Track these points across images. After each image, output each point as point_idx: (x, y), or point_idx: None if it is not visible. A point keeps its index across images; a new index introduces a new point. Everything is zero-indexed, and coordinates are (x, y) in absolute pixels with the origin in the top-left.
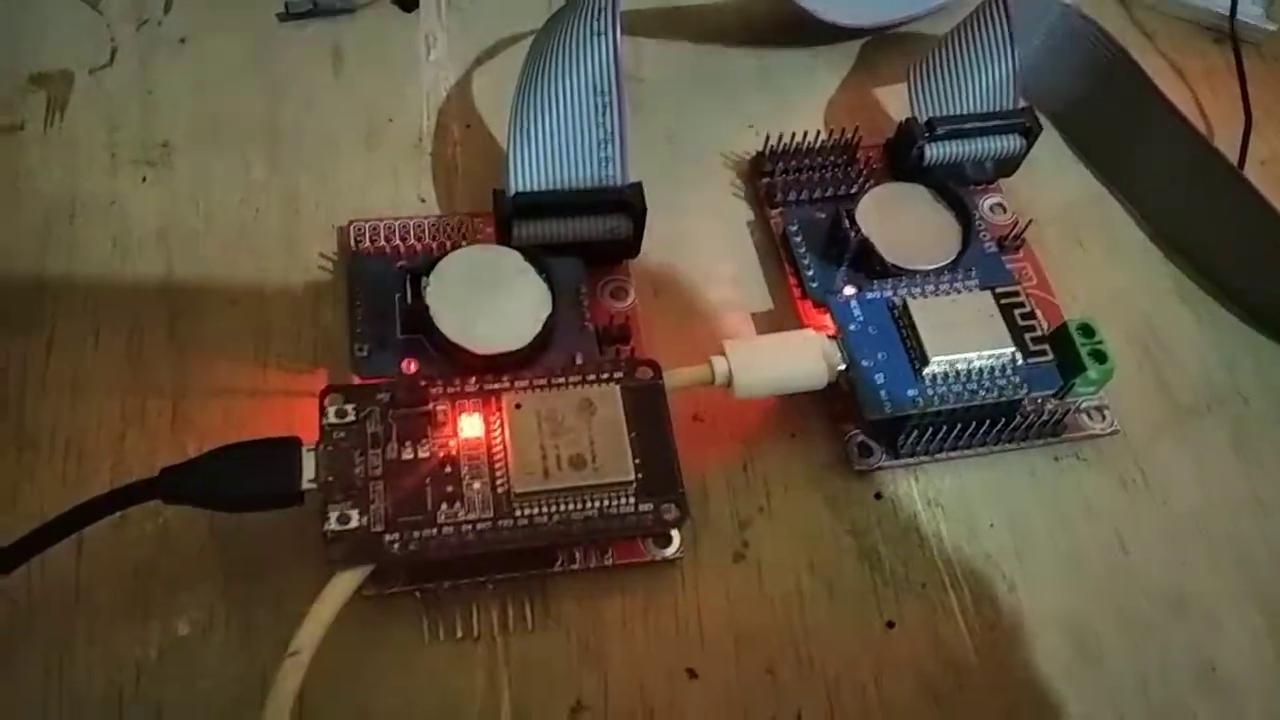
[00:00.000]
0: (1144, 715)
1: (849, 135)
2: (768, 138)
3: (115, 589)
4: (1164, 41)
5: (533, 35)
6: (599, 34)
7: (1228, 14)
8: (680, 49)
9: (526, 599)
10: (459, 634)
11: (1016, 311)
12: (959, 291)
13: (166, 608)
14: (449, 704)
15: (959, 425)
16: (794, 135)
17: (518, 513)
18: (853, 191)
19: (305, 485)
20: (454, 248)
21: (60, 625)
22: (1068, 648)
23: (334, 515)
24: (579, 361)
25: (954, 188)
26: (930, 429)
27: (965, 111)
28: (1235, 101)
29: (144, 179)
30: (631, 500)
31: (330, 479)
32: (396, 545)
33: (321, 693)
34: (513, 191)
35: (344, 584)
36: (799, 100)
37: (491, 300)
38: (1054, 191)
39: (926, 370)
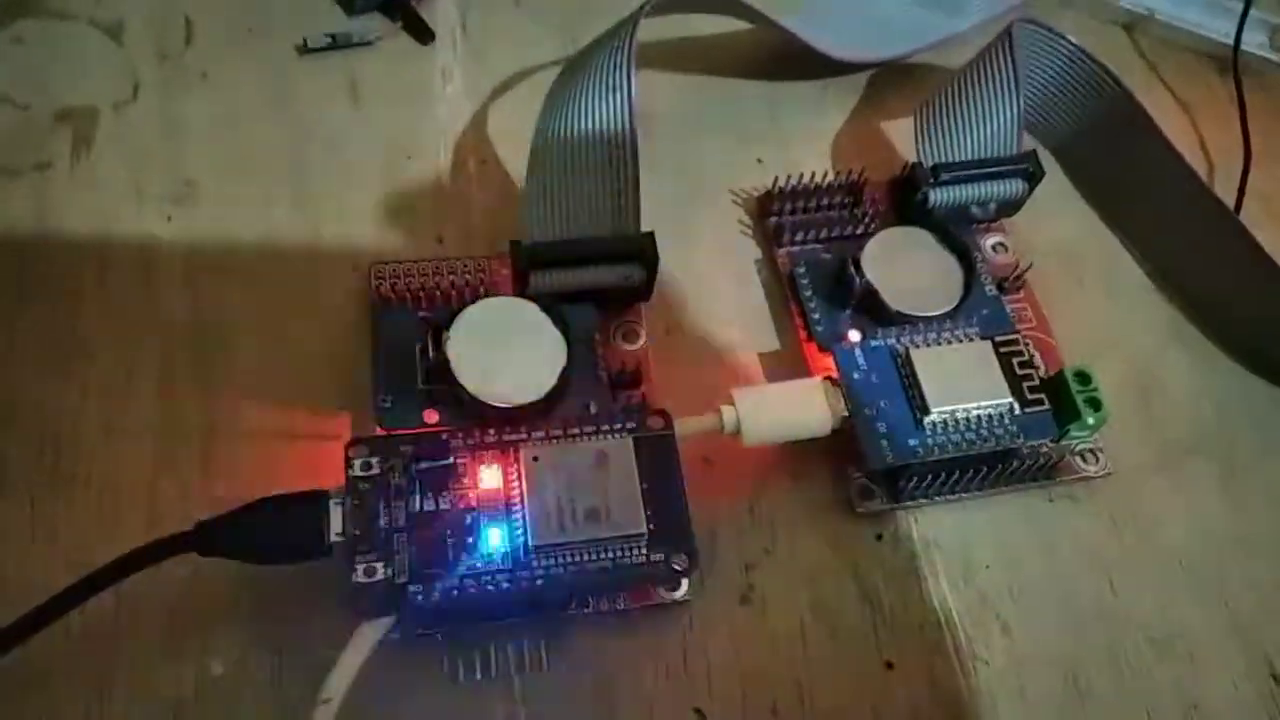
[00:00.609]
0: None
1: (855, 175)
2: (775, 179)
3: (152, 630)
4: (1169, 72)
5: (546, 67)
6: (615, 89)
7: (1232, 45)
8: (690, 82)
9: (542, 641)
10: (478, 674)
11: (1015, 360)
12: (960, 340)
13: (201, 649)
14: None
15: (957, 471)
16: (801, 176)
17: (535, 564)
18: (858, 232)
19: (333, 538)
20: (472, 292)
21: (100, 665)
22: (1058, 686)
23: (360, 568)
24: (593, 410)
25: (956, 233)
26: (930, 475)
27: (970, 155)
28: (1238, 134)
29: (169, 218)
30: (644, 551)
31: (357, 532)
32: (420, 596)
33: None
34: (529, 242)
35: (371, 633)
36: (807, 133)
37: (510, 353)
38: (1055, 229)
39: (927, 420)
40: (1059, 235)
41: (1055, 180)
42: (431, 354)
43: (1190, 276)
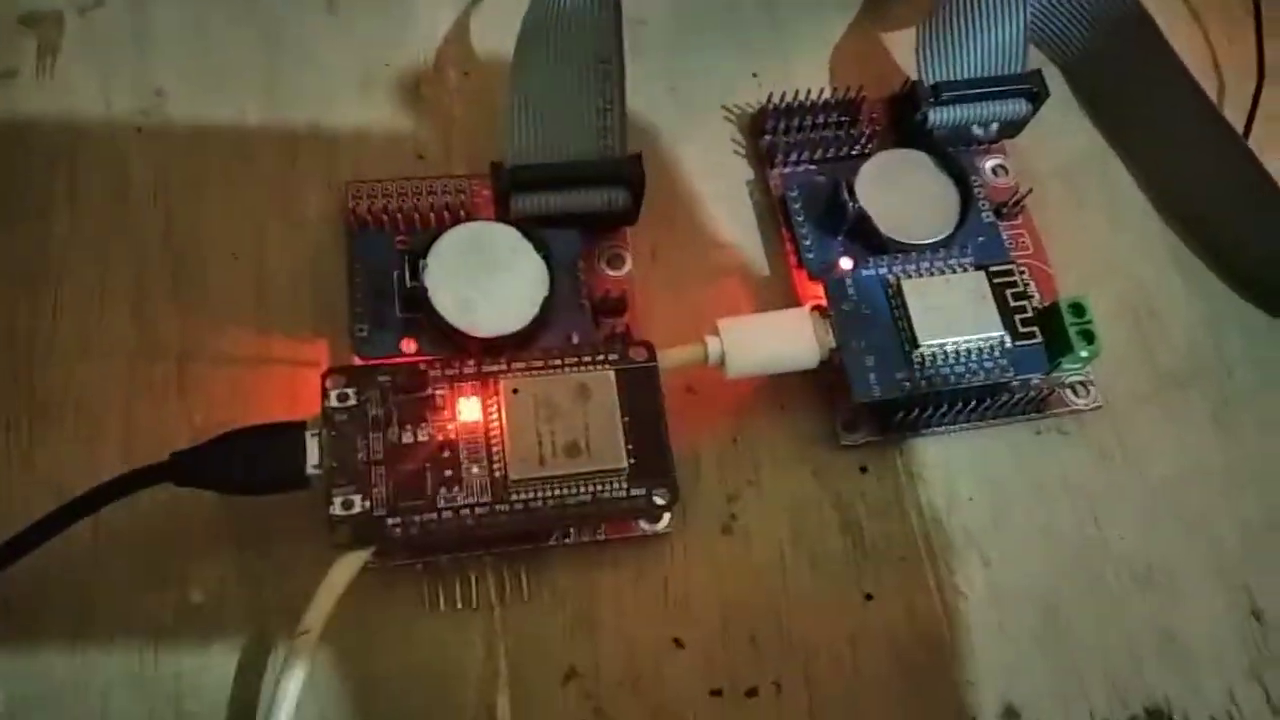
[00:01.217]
0: (1103, 683)
1: (852, 93)
2: (770, 96)
3: (131, 558)
4: None
5: None
6: (599, 2)
7: None
8: None
9: (522, 571)
10: (459, 604)
11: (1008, 291)
12: (953, 270)
13: (180, 577)
14: (449, 672)
15: (945, 404)
16: (796, 93)
17: (514, 497)
18: (854, 153)
19: (310, 470)
20: (452, 215)
21: (80, 593)
22: (1036, 619)
23: (338, 500)
24: (575, 341)
25: (955, 156)
26: (917, 409)
27: (973, 72)
28: (1253, 51)
29: (139, 130)
30: (624, 486)
31: (334, 465)
32: (398, 529)
33: (327, 662)
34: (510, 164)
35: (349, 565)
36: (806, 44)
37: (489, 281)
38: (1058, 149)
39: (916, 353)
40: (1062, 157)
41: (1062, 98)
42: (408, 282)
43: (1193, 202)
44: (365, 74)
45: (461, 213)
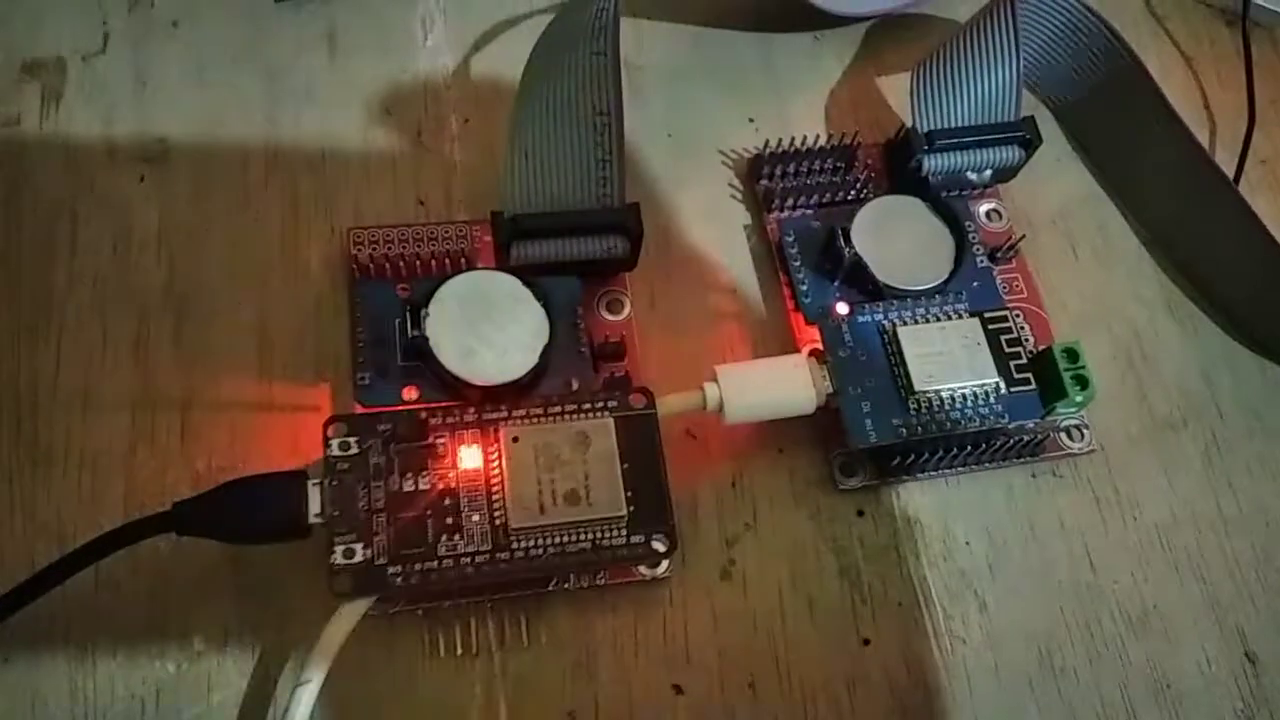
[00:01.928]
0: None
1: (848, 139)
2: (766, 142)
3: (132, 608)
4: (1176, 26)
5: (533, 15)
6: (598, 54)
7: None
8: (682, 32)
9: (523, 616)
10: (459, 650)
11: (1003, 337)
12: (949, 316)
13: (182, 627)
14: (450, 717)
15: (941, 449)
16: (793, 139)
17: (514, 545)
18: (850, 198)
19: (311, 519)
20: (454, 261)
21: (83, 643)
22: (1032, 664)
23: (339, 549)
24: (575, 387)
25: (950, 203)
26: (913, 454)
27: (967, 119)
28: (1244, 94)
29: (142, 178)
30: (623, 533)
31: (335, 514)
32: (399, 578)
33: (329, 709)
34: (510, 213)
35: (350, 615)
36: (802, 90)
37: (490, 329)
38: (1052, 193)
39: (912, 399)
40: (1055, 201)
41: (1056, 142)
42: (410, 332)
43: (1185, 246)
44: (366, 120)
45: (463, 259)
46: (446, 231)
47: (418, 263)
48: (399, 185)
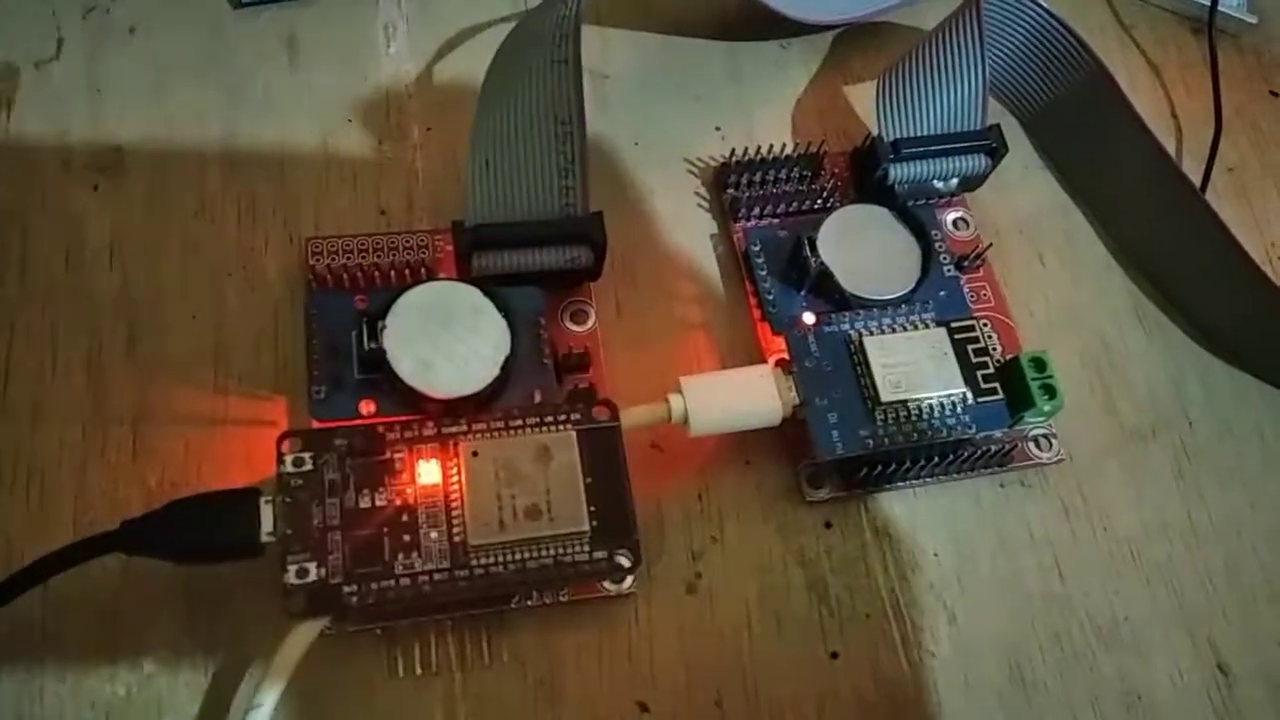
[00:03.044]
0: None
1: (814, 148)
2: (733, 151)
3: (82, 629)
4: (1143, 33)
5: (497, 23)
6: (561, 61)
7: (1208, 5)
8: (648, 41)
9: (484, 634)
10: (418, 669)
11: (970, 347)
12: (915, 326)
13: (133, 648)
14: None
15: (909, 459)
16: (759, 148)
17: (474, 562)
18: (816, 207)
19: (264, 538)
20: (414, 272)
21: (30, 666)
22: (1002, 677)
23: (292, 569)
24: (537, 399)
25: (916, 212)
26: (880, 464)
27: (933, 127)
28: (1210, 101)
29: (96, 187)
30: (586, 548)
31: (289, 532)
32: (355, 597)
33: None
34: (472, 223)
35: (303, 635)
36: (768, 98)
37: (450, 341)
38: (1019, 201)
39: (879, 410)
40: (1022, 209)
41: (1022, 151)
42: (367, 344)
43: (1153, 255)
44: (327, 129)
45: (423, 269)
46: (408, 241)
47: (377, 273)
48: (360, 194)
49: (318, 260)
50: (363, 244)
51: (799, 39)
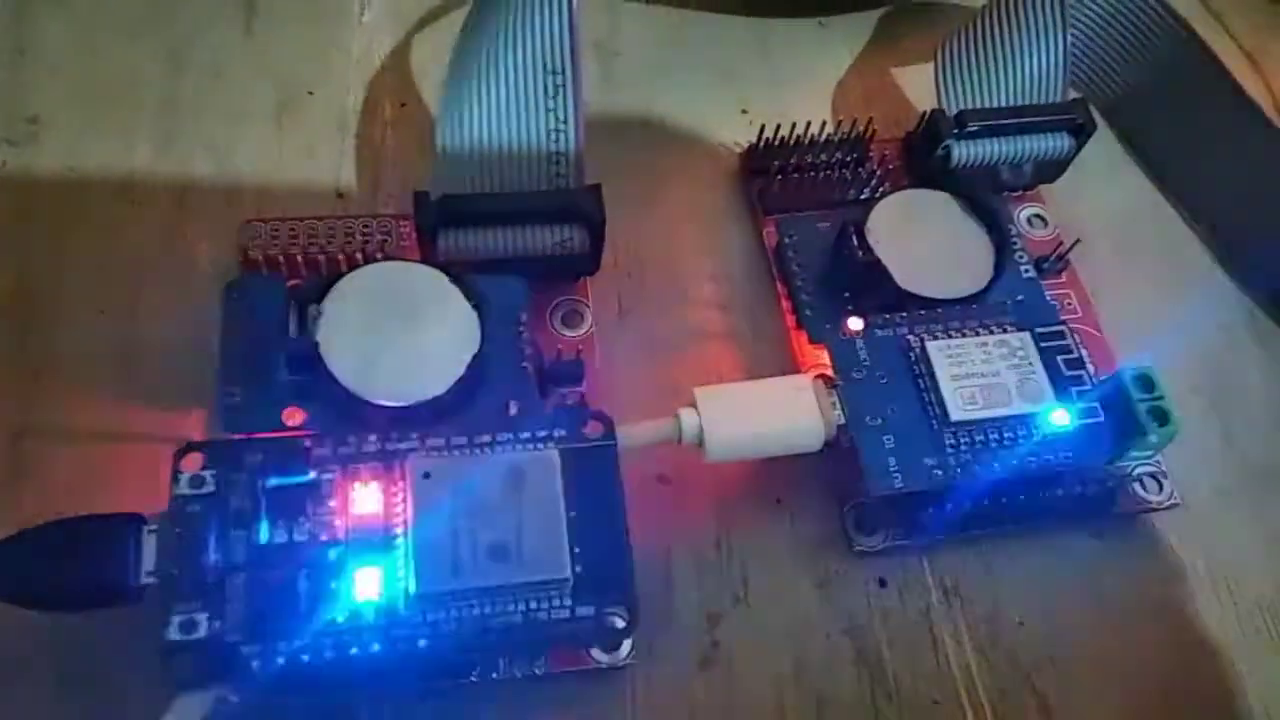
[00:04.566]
0: None
1: (860, 128)
2: (763, 128)
3: None
4: (1235, 19)
5: None
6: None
7: None
8: (664, 13)
9: (433, 716)
10: None
11: (1060, 358)
12: (990, 331)
13: None
14: None
15: (985, 500)
16: (794, 126)
17: (420, 618)
18: (863, 198)
19: (144, 578)
20: (368, 262)
21: None
22: None
23: (176, 620)
24: (512, 412)
25: (987, 197)
26: (950, 504)
27: (1003, 104)
28: None
29: (3, 162)
30: (567, 603)
31: (175, 571)
32: (258, 661)
33: None
34: (438, 194)
35: (187, 710)
36: (803, 79)
37: (402, 335)
38: (1103, 200)
39: (948, 433)
40: (1107, 207)
41: (1105, 142)
42: (295, 334)
43: (1270, 255)
44: (283, 101)
45: (379, 257)
46: (366, 226)
47: (324, 260)
48: (316, 175)
49: (253, 246)
50: (311, 228)
51: (840, 16)
